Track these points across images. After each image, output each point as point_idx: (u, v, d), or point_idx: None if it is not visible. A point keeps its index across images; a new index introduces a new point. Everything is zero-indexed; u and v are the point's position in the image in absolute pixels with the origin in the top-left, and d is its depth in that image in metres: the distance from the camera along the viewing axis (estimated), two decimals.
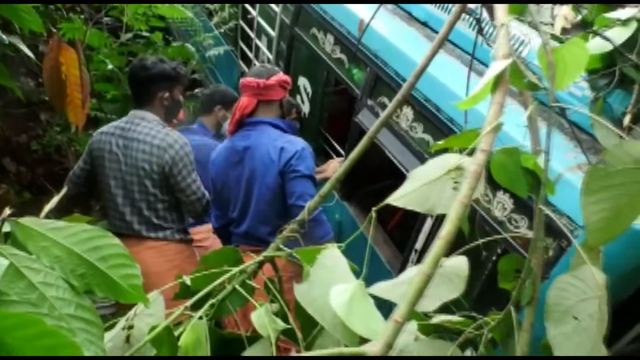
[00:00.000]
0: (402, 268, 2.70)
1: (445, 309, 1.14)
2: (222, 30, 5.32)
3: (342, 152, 3.52)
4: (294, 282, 1.01)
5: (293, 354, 0.81)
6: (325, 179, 2.94)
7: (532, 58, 1.91)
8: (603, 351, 0.90)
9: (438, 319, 1.18)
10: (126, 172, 2.69)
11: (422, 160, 2.45)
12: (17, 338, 0.66)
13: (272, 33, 4.13)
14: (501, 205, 2.03)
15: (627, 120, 1.57)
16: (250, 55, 4.73)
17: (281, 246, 1.26)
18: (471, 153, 0.89)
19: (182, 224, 2.93)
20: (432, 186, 0.99)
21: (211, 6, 5.59)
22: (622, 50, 1.48)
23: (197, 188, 2.76)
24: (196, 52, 5.23)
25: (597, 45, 1.55)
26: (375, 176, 3.37)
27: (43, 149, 5.05)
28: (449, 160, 1.01)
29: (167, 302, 1.17)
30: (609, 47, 1.52)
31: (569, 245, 1.73)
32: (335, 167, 3.33)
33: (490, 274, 2.09)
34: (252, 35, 4.63)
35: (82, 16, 4.39)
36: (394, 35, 2.80)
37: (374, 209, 1.01)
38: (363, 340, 0.81)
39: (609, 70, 1.58)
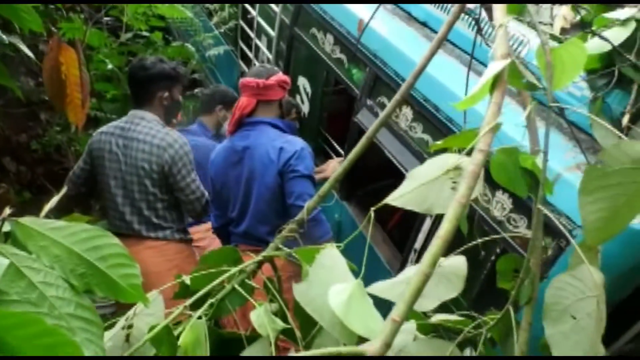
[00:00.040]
0: (401, 268, 2.70)
1: (444, 308, 1.14)
2: (221, 30, 5.32)
3: (342, 152, 3.52)
4: (293, 281, 1.01)
5: (292, 353, 0.81)
6: (325, 179, 2.94)
7: (531, 58, 1.91)
8: (601, 350, 0.90)
9: (437, 318, 1.18)
10: (126, 171, 2.70)
11: (422, 160, 2.45)
12: (17, 337, 0.66)
13: (272, 33, 4.14)
14: (500, 205, 2.03)
15: (625, 120, 1.58)
16: (250, 55, 4.73)
17: (280, 246, 1.26)
18: (470, 153, 0.90)
19: (182, 223, 2.93)
20: (430, 186, 0.99)
21: (211, 6, 5.60)
22: (620, 51, 1.49)
23: (196, 187, 2.76)
24: (196, 52, 5.23)
25: (595, 45, 1.55)
26: (374, 176, 3.38)
27: (43, 148, 5.05)
28: (448, 160, 1.01)
29: (167, 302, 1.18)
30: (607, 47, 1.52)
31: (568, 245, 1.73)
32: (334, 167, 3.34)
33: (489, 273, 2.09)
34: (252, 35, 4.63)
35: (82, 16, 4.39)
36: (393, 35, 2.80)
37: (372, 208, 1.01)
38: (362, 340, 0.82)
39: (607, 70, 1.58)
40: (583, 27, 1.70)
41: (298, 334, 1.15)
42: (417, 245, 2.57)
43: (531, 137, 1.12)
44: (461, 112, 2.07)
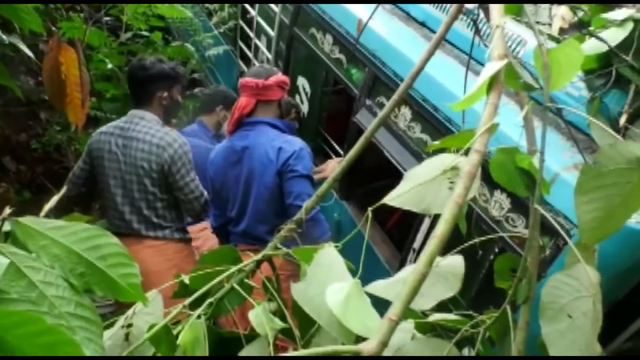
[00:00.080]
0: (400, 267, 2.71)
1: (443, 307, 1.15)
2: (221, 30, 5.33)
3: (341, 152, 3.53)
4: (292, 281, 1.02)
5: (291, 352, 0.82)
6: (324, 179, 2.95)
7: (529, 58, 1.92)
8: (597, 349, 0.91)
9: (435, 317, 1.19)
10: (125, 171, 2.70)
11: (420, 159, 2.46)
12: (17, 336, 0.67)
13: (272, 33, 4.14)
14: (498, 205, 2.04)
15: (623, 120, 1.58)
16: (250, 55, 4.74)
17: (279, 245, 1.26)
18: (467, 153, 0.90)
19: (181, 223, 2.94)
20: (428, 186, 1.00)
21: (210, 6, 5.60)
22: (617, 51, 1.49)
23: (195, 187, 2.77)
24: (195, 51, 5.23)
25: (593, 46, 1.56)
26: (374, 176, 3.38)
27: (43, 147, 5.05)
28: (445, 160, 1.02)
29: (166, 301, 1.18)
30: (605, 47, 1.52)
31: (566, 244, 1.74)
32: (333, 167, 3.34)
33: (487, 272, 2.10)
34: (252, 35, 4.63)
35: (82, 15, 4.39)
36: (392, 35, 2.81)
37: (370, 208, 1.02)
38: (360, 338, 0.82)
39: (605, 71, 1.59)
40: (581, 27, 1.70)
41: (296, 333, 1.16)
42: (416, 244, 2.57)
43: (528, 137, 1.13)
44: (460, 112, 2.07)
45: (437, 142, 1.15)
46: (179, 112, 3.66)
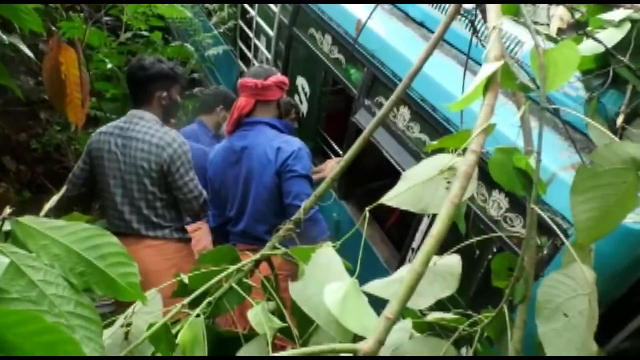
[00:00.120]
0: (399, 267, 2.71)
1: (442, 307, 1.16)
2: (221, 30, 5.33)
3: (340, 151, 3.53)
4: (290, 280, 1.02)
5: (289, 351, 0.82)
6: (323, 179, 2.95)
7: (527, 58, 1.92)
8: (593, 348, 0.91)
9: (432, 316, 1.19)
10: (125, 171, 2.71)
11: (419, 159, 2.46)
12: (18, 334, 0.67)
13: (271, 33, 4.15)
14: (497, 205, 2.04)
15: (620, 120, 1.59)
16: (249, 54, 4.74)
17: (277, 245, 1.27)
18: (464, 153, 0.91)
19: (181, 222, 2.94)
20: (425, 186, 1.01)
21: (210, 6, 5.61)
22: (613, 52, 1.50)
23: (194, 186, 2.77)
24: (195, 51, 5.24)
25: (591, 46, 1.56)
26: (373, 175, 3.39)
27: (43, 147, 5.06)
28: (442, 160, 1.02)
29: (166, 300, 1.19)
30: (602, 47, 1.53)
31: (564, 244, 1.74)
32: (332, 167, 3.35)
33: (486, 272, 2.10)
34: (251, 35, 4.64)
35: (82, 15, 4.40)
36: (390, 36, 2.82)
37: (367, 208, 1.02)
38: (357, 337, 0.83)
39: (602, 71, 1.60)
40: (579, 28, 1.71)
41: (295, 332, 1.16)
42: (415, 244, 2.58)
43: (525, 137, 1.13)
44: (458, 112, 2.08)
45: (435, 142, 1.16)
46: (178, 112, 3.66)
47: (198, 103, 4.32)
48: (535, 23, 2.29)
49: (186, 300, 1.16)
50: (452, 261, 1.13)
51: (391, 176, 2.26)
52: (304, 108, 3.85)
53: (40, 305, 0.81)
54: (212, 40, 5.36)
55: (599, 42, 1.49)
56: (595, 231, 0.91)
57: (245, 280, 1.24)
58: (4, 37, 2.43)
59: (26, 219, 0.89)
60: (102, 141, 2.74)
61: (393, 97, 1.28)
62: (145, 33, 4.92)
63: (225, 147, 2.82)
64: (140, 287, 0.93)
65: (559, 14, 2.20)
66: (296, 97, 3.89)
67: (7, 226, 0.89)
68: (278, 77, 2.77)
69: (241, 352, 1.15)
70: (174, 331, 1.08)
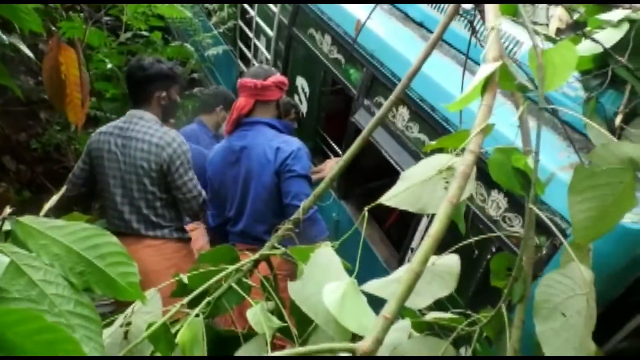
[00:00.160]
0: (398, 267, 2.71)
1: (441, 306, 1.16)
2: (220, 30, 5.34)
3: (340, 151, 3.54)
4: (289, 280, 1.03)
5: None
6: (323, 179, 2.96)
7: (526, 59, 1.93)
8: (591, 347, 0.92)
9: (431, 316, 1.19)
10: (125, 170, 2.71)
11: (418, 159, 2.47)
12: (18, 333, 0.68)
13: (270, 33, 4.15)
14: (495, 204, 2.05)
15: (618, 120, 1.59)
16: (249, 54, 4.75)
17: (276, 245, 1.27)
18: (463, 153, 0.91)
19: (180, 222, 2.95)
20: (423, 186, 1.01)
21: (210, 6, 5.61)
22: (611, 52, 1.50)
23: (193, 186, 2.78)
24: (195, 51, 5.25)
25: (589, 46, 1.56)
26: (372, 175, 3.39)
27: (43, 147, 5.06)
28: (441, 160, 1.03)
29: (165, 300, 1.19)
30: (601, 47, 1.53)
31: (562, 244, 1.75)
32: (332, 167, 3.35)
33: (485, 272, 2.11)
34: (251, 35, 4.64)
35: (82, 15, 4.40)
36: (390, 36, 2.82)
37: (366, 208, 1.03)
38: (356, 337, 0.83)
39: (601, 71, 1.60)
40: (578, 28, 1.71)
41: (294, 331, 1.16)
42: (414, 244, 2.58)
43: (524, 137, 1.13)
44: (457, 112, 2.08)
45: (433, 142, 1.16)
46: (178, 112, 3.67)
47: (198, 103, 4.32)
48: (535, 23, 2.29)
49: (185, 300, 1.16)
50: (451, 261, 1.14)
51: (390, 176, 2.26)
52: (303, 108, 3.85)
53: (40, 305, 0.81)
54: (212, 40, 5.36)
55: (597, 42, 1.49)
56: (593, 231, 0.91)
57: (244, 280, 1.24)
58: (4, 37, 2.43)
59: (26, 219, 0.89)
60: (102, 141, 2.75)
61: (392, 97, 1.28)
62: (145, 33, 4.92)
63: (225, 147, 2.83)
64: (139, 287, 0.94)
65: (558, 14, 2.20)
66: (296, 97, 3.90)
67: (7, 226, 0.90)
68: (277, 77, 2.78)
69: (240, 352, 1.16)
70: (173, 331, 1.08)
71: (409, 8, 2.91)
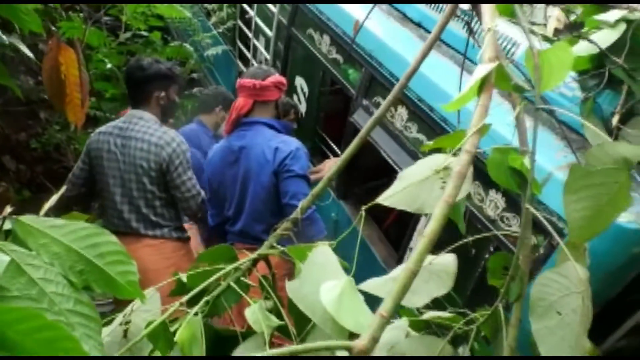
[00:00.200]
0: (397, 266, 2.72)
1: (439, 305, 1.16)
2: (220, 30, 5.34)
3: (338, 151, 3.54)
4: (288, 279, 1.03)
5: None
6: (322, 179, 2.96)
7: (523, 59, 1.94)
8: (587, 345, 0.92)
9: (429, 315, 1.20)
10: (124, 170, 2.72)
11: (417, 159, 2.47)
12: (18, 332, 0.68)
13: (270, 33, 4.15)
14: (493, 204, 2.06)
15: (615, 120, 1.60)
16: (248, 55, 4.75)
17: (275, 244, 1.28)
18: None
19: (179, 222, 2.96)
20: (421, 186, 1.01)
21: (209, 6, 5.61)
22: (607, 53, 1.51)
23: (192, 186, 2.78)
24: (194, 51, 5.25)
25: (586, 47, 1.57)
26: (371, 175, 3.40)
27: (42, 147, 5.07)
28: (437, 160, 1.03)
29: (164, 299, 1.19)
30: (597, 48, 1.54)
31: (559, 243, 1.75)
32: (330, 167, 3.35)
33: (483, 271, 2.11)
34: (250, 35, 4.65)
35: (82, 15, 4.40)
36: (388, 36, 2.83)
37: (363, 208, 1.03)
38: (354, 335, 0.84)
39: (598, 71, 1.60)
40: (576, 28, 1.72)
41: (292, 330, 1.17)
42: (413, 244, 2.59)
43: (520, 137, 1.14)
44: (455, 112, 2.09)
45: (430, 142, 1.17)
46: (177, 112, 3.67)
47: (197, 103, 4.33)
48: (533, 23, 2.30)
49: (184, 299, 1.16)
50: (448, 260, 1.14)
51: (389, 176, 2.27)
52: (302, 108, 3.86)
53: (40, 303, 0.82)
54: (211, 41, 5.37)
55: (594, 43, 1.50)
56: (588, 230, 0.92)
57: (243, 279, 1.25)
58: (4, 37, 2.44)
59: (26, 218, 0.90)
60: (101, 141, 2.76)
61: (390, 97, 1.28)
62: (144, 33, 4.93)
63: (224, 147, 2.84)
64: (139, 286, 0.94)
65: (556, 15, 2.21)
66: (295, 97, 3.90)
67: (7, 225, 0.90)
68: (276, 77, 2.79)
69: (239, 350, 1.16)
70: (172, 329, 1.09)
71: (407, 8, 2.92)
